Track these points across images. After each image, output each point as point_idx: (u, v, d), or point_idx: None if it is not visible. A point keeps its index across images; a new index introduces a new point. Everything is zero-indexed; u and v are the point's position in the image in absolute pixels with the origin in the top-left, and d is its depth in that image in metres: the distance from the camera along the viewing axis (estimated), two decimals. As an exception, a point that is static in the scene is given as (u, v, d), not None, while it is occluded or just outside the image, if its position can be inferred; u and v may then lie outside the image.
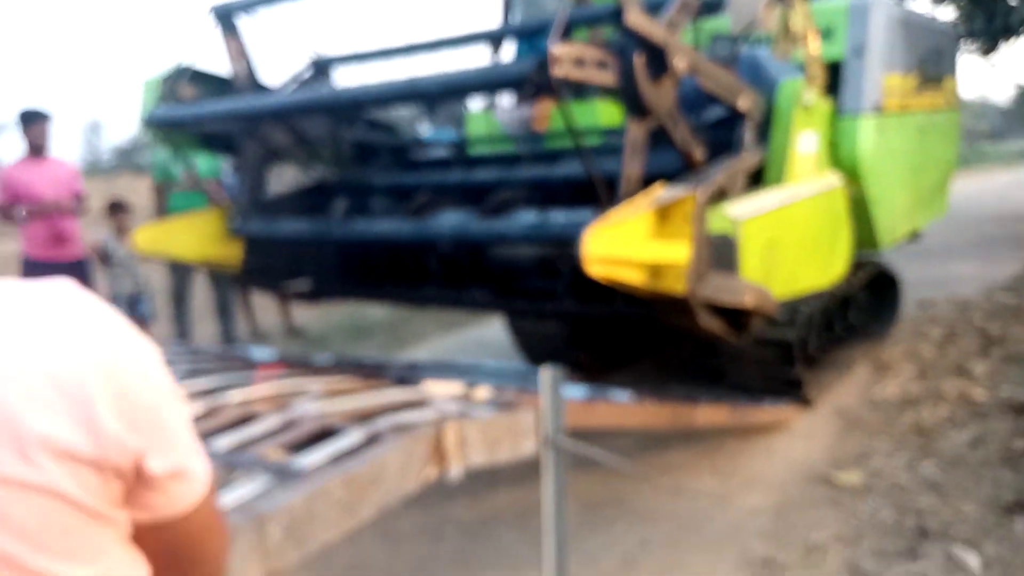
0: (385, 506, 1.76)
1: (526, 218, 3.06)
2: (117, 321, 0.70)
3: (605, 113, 4.17)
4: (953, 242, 8.19)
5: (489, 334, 6.12)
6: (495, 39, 4.22)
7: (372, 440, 1.84)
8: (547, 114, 4.41)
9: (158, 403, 0.71)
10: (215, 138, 3.76)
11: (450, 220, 3.29)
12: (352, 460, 1.72)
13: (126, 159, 36.50)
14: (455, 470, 1.93)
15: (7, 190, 4.75)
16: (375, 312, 6.65)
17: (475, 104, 4.88)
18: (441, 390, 2.36)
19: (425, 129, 5.34)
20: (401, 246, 3.58)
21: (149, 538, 0.75)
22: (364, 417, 2.04)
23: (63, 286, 0.69)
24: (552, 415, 2.05)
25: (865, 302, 5.15)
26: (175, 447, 0.72)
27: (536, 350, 4.91)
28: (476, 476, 3.64)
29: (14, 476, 0.62)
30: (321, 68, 3.95)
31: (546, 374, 2.05)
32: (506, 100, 4.66)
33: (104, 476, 0.66)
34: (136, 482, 0.70)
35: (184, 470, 0.73)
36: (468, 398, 2.34)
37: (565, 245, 2.98)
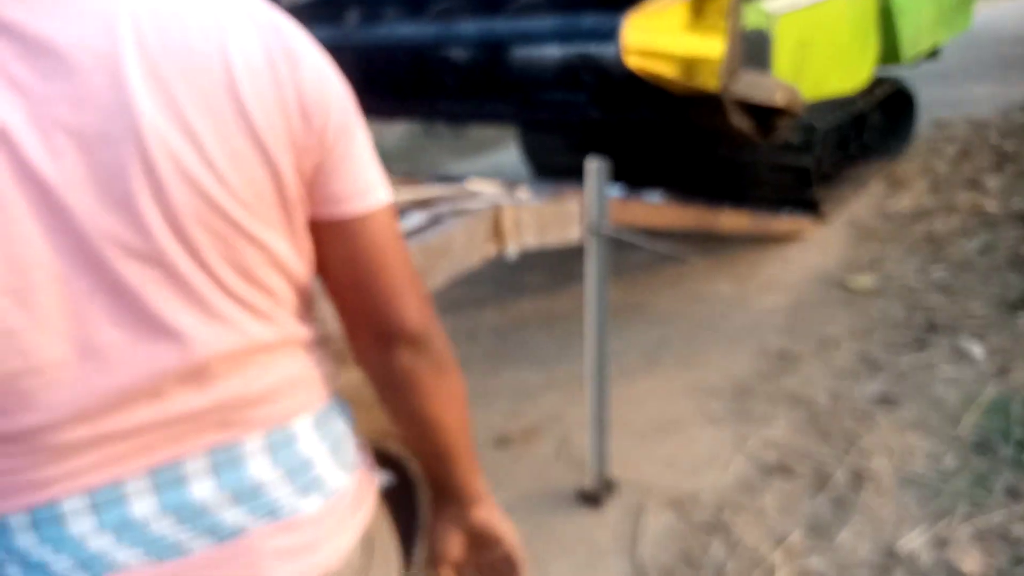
0: (453, 276, 1.85)
1: (554, 19, 2.97)
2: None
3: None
4: (971, 63, 8.00)
5: (503, 159, 6.10)
6: None
7: (435, 221, 1.90)
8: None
9: (347, 103, 0.74)
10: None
11: (473, 24, 3.18)
12: (422, 235, 1.79)
13: None
14: (511, 249, 2.01)
15: None
16: (389, 137, 6.59)
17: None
18: (485, 186, 2.39)
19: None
20: (419, 56, 3.47)
21: (333, 243, 0.76)
22: (423, 204, 2.09)
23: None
24: (596, 204, 2.09)
25: (880, 121, 5.10)
26: (360, 144, 0.75)
27: (550, 169, 4.91)
28: (504, 287, 3.84)
29: (241, 149, 0.65)
30: None
31: (592, 165, 2.06)
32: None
33: (301, 157, 0.70)
34: (323, 171, 0.72)
35: (366, 167, 0.76)
36: (511, 193, 2.38)
37: (596, 45, 2.92)
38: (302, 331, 0.77)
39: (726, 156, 4.08)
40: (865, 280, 3.57)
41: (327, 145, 0.71)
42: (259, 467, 0.73)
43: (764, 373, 2.93)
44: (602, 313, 2.22)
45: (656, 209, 2.78)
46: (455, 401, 0.87)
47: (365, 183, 0.76)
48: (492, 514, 0.95)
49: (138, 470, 0.68)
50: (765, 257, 3.96)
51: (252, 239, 0.68)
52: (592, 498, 2.28)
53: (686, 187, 3.31)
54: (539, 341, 3.35)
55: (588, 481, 2.30)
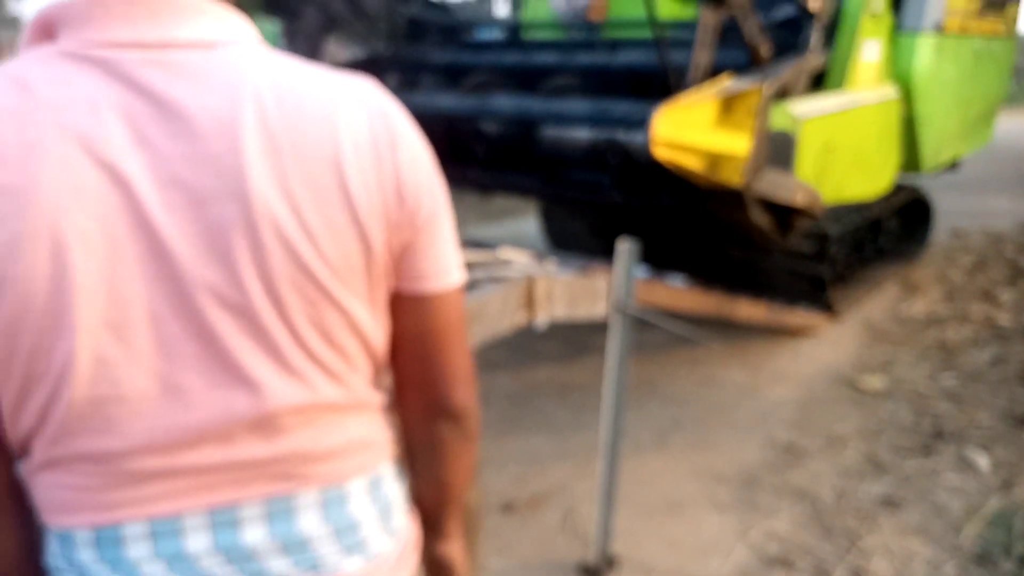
0: (485, 340, 1.92)
1: (586, 103, 3.10)
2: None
3: (665, 6, 4.13)
4: (991, 176, 8.16)
5: (524, 228, 6.24)
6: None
7: (471, 286, 1.98)
8: (604, 4, 4.38)
9: (438, 189, 0.81)
10: (277, 1, 3.76)
11: (509, 100, 3.32)
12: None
13: None
14: (541, 319, 2.08)
15: None
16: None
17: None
18: (517, 255, 2.48)
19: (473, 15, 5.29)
20: (452, 125, 3.62)
21: (407, 315, 0.82)
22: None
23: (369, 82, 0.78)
24: (624, 283, 2.16)
25: (897, 227, 5.20)
26: (446, 227, 0.82)
27: (566, 243, 5.02)
28: (519, 352, 3.90)
29: (338, 221, 0.72)
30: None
31: (623, 245, 2.15)
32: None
33: (392, 233, 0.76)
34: (411, 250, 0.79)
35: (447, 249, 0.83)
36: (541, 264, 2.46)
37: (624, 132, 3.04)
38: (370, 396, 0.82)
39: (741, 257, 4.17)
40: (875, 381, 3.60)
41: (417, 226, 0.78)
42: (310, 522, 0.77)
43: (771, 464, 2.95)
44: (621, 389, 2.27)
45: (678, 292, 2.86)
46: (469, 467, 0.94)
47: (445, 264, 0.82)
48: (457, 552, 0.99)
49: (198, 507, 0.73)
50: (778, 349, 4.01)
51: (336, 304, 0.74)
52: (593, 573, 2.29)
53: (700, 277, 3.39)
54: (551, 409, 3.39)
55: (591, 555, 2.31)
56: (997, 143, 6.60)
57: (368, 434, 0.82)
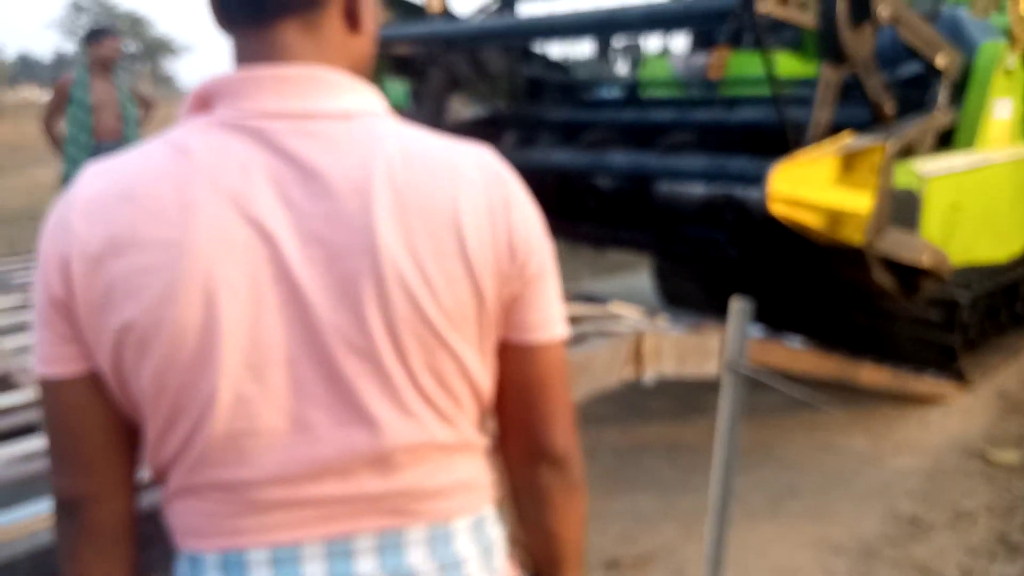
0: (591, 393, 1.94)
1: (702, 159, 3.11)
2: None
3: (784, 64, 4.11)
4: None
5: (638, 283, 6.23)
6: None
7: (580, 339, 2.01)
8: (723, 62, 4.39)
9: (546, 248, 0.86)
10: (405, 63, 3.97)
11: (624, 155, 3.36)
12: (566, 350, 1.90)
13: None
14: (649, 374, 2.08)
15: None
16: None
17: (650, 48, 4.90)
18: (628, 311, 2.50)
19: (591, 75, 5.41)
20: (567, 180, 3.69)
21: (512, 365, 0.86)
22: (570, 321, 2.21)
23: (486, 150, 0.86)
24: (737, 342, 2.14)
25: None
26: (552, 283, 0.88)
27: (679, 300, 4.98)
28: (627, 408, 3.87)
29: (455, 274, 0.78)
30: (507, 2, 4.09)
31: (736, 303, 2.13)
32: (681, 46, 4.67)
33: (503, 288, 0.82)
34: (519, 302, 0.84)
35: (552, 303, 0.88)
36: (652, 320, 2.47)
37: (741, 188, 3.02)
38: (477, 438, 0.86)
39: (865, 322, 4.02)
40: (1010, 455, 3.36)
41: (526, 280, 0.83)
42: (418, 557, 0.81)
43: (892, 538, 2.80)
44: (732, 451, 2.22)
45: (796, 353, 2.79)
46: (579, 517, 0.95)
47: (550, 317, 0.87)
48: None
49: (316, 537, 0.78)
50: (903, 416, 3.81)
51: (450, 350, 0.79)
52: (699, 639, 2.22)
53: (820, 340, 3.28)
54: (659, 468, 3.34)
55: (696, 621, 2.25)
56: None
57: (473, 475, 0.86)
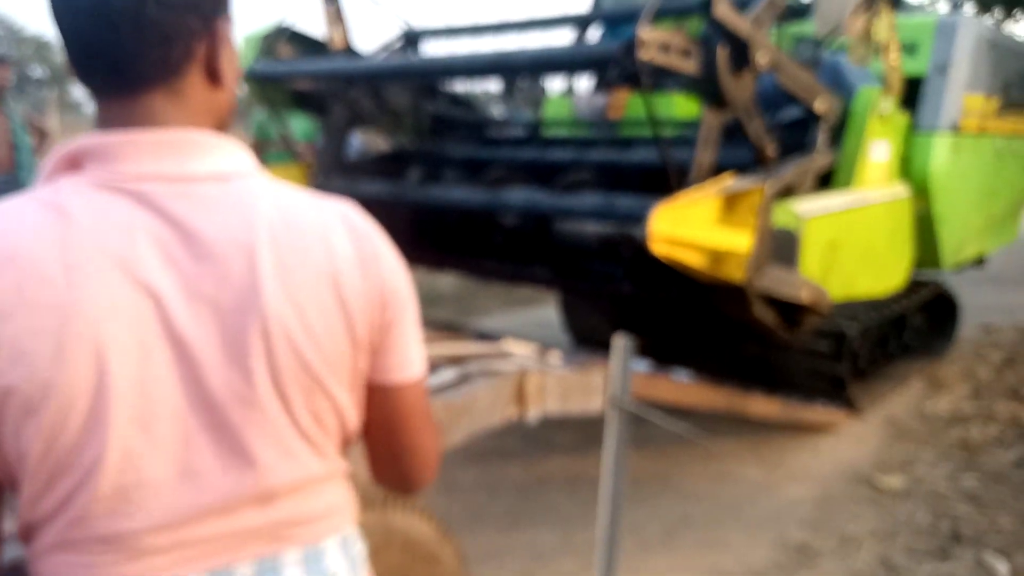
0: (472, 434, 1.96)
1: (594, 198, 3.19)
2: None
3: (681, 106, 4.26)
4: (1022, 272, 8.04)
5: (548, 315, 6.29)
6: (582, 24, 4.35)
7: (464, 379, 2.03)
8: (622, 103, 4.53)
9: (407, 293, 0.94)
10: (307, 98, 3.96)
11: (521, 194, 3.42)
12: (449, 392, 1.91)
13: None
14: (532, 414, 2.12)
15: None
16: (443, 283, 6.89)
17: (553, 88, 5.01)
18: (519, 348, 2.53)
19: (498, 112, 5.50)
20: (470, 217, 3.73)
21: (376, 402, 0.94)
22: (456, 361, 2.23)
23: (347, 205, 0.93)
24: (620, 378, 2.19)
25: (922, 322, 5.14)
26: (412, 326, 0.95)
27: (584, 333, 5.07)
28: (531, 441, 3.90)
29: (335, 325, 0.85)
30: (411, 40, 4.13)
31: (619, 340, 2.18)
32: (584, 87, 4.79)
33: (373, 334, 0.90)
34: (383, 346, 0.92)
35: (412, 346, 0.95)
36: (542, 357, 2.50)
37: (630, 226, 3.10)
38: (342, 466, 0.94)
39: (758, 353, 4.17)
40: (894, 480, 3.51)
41: (392, 325, 0.92)
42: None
43: (782, 566, 2.88)
44: (618, 486, 2.26)
45: (682, 387, 2.86)
46: None
47: (409, 358, 0.95)
48: None
49: (198, 571, 0.82)
50: (795, 445, 3.94)
51: (327, 392, 0.86)
52: (584, 676, 2.23)
53: (718, 372, 3.38)
54: (561, 502, 3.36)
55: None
56: (1029, 238, 6.55)
57: (340, 499, 0.94)
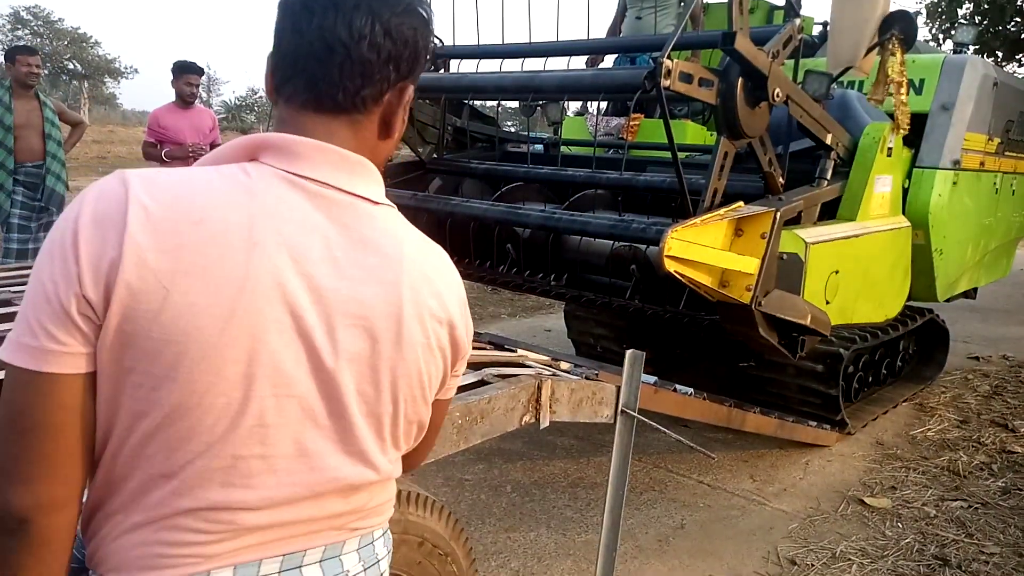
0: (488, 436, 2.08)
1: (608, 217, 3.33)
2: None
3: (692, 133, 4.41)
4: (1013, 305, 8.20)
5: (554, 323, 6.45)
6: (599, 52, 4.51)
7: (482, 384, 2.16)
8: (636, 128, 4.68)
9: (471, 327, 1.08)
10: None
11: (539, 209, 3.56)
12: (468, 395, 2.04)
13: (234, 117, 38.34)
14: (547, 419, 2.23)
15: (154, 131, 5.24)
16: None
17: (571, 109, 5.16)
18: (533, 357, 2.65)
19: (514, 127, 5.65)
20: (488, 228, 3.86)
21: (432, 411, 1.07)
22: (475, 366, 2.35)
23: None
24: (630, 388, 2.32)
25: (913, 350, 5.29)
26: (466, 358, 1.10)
27: (586, 343, 5.23)
28: (534, 445, 4.03)
29: (440, 353, 0.99)
30: (438, 57, 4.27)
31: (630, 353, 2.32)
32: (599, 110, 4.94)
33: (454, 363, 1.04)
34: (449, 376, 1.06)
35: (460, 372, 1.09)
36: (555, 366, 2.63)
37: (643, 244, 3.24)
38: (399, 469, 1.05)
39: (757, 374, 4.32)
40: (884, 501, 3.64)
41: (461, 363, 1.07)
42: (351, 561, 0.99)
43: (771, 578, 3.01)
44: (621, 492, 2.39)
45: (686, 401, 2.99)
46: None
47: (456, 381, 1.11)
48: None
49: (275, 554, 0.90)
50: (788, 461, 4.08)
51: (426, 404, 1.00)
52: (584, 669, 2.35)
53: (713, 388, 3.52)
54: (560, 505, 3.49)
55: (583, 651, 2.38)
56: (1023, 273, 6.71)
57: (392, 495, 1.05)
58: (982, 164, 4.70)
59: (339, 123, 0.91)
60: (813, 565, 3.09)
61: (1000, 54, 11.75)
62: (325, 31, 0.87)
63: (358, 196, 0.91)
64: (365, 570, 1.00)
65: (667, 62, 2.61)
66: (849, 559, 3.15)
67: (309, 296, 0.85)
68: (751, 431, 3.62)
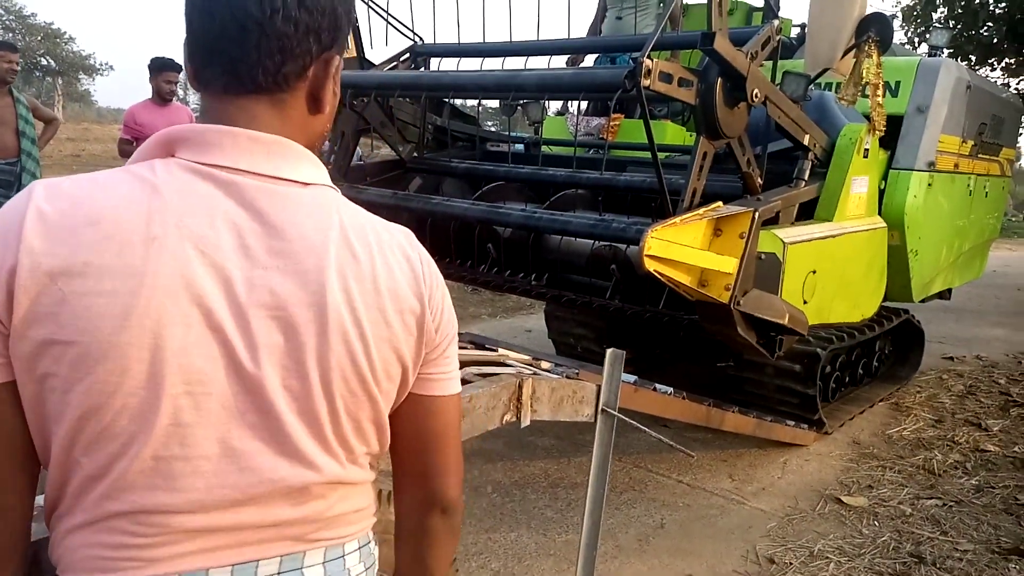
0: (469, 435, 2.07)
1: (589, 217, 3.34)
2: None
3: (671, 133, 4.43)
4: (989, 306, 8.33)
5: (533, 323, 6.45)
6: (579, 51, 4.52)
7: (464, 383, 2.15)
8: (616, 127, 4.69)
9: (454, 318, 1.01)
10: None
11: (519, 209, 3.56)
12: None
13: None
14: (527, 418, 2.22)
15: (130, 128, 5.17)
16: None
17: (551, 109, 5.17)
18: (514, 356, 2.65)
19: (493, 127, 5.65)
20: (469, 227, 3.86)
21: (417, 415, 0.99)
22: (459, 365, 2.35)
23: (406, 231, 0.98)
24: (610, 388, 2.32)
25: (888, 350, 5.35)
26: (455, 347, 1.02)
27: (566, 342, 5.24)
28: (514, 446, 4.02)
29: (389, 337, 0.90)
30: (418, 55, 4.26)
31: (611, 352, 2.32)
32: (579, 109, 4.94)
33: (426, 353, 0.96)
34: (428, 362, 0.97)
35: (454, 364, 1.01)
36: (536, 366, 2.62)
37: (623, 244, 3.25)
38: (370, 475, 0.98)
39: (735, 374, 4.34)
40: (860, 499, 3.68)
41: (439, 348, 0.98)
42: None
43: (750, 576, 3.02)
44: (601, 489, 2.39)
45: (665, 400, 3.00)
46: (451, 555, 1.09)
47: (451, 375, 1.01)
48: None
49: (224, 564, 0.85)
50: (766, 460, 4.10)
51: (372, 401, 0.91)
52: (564, 669, 2.35)
53: (693, 391, 3.54)
54: (541, 506, 3.49)
55: (563, 651, 2.38)
56: (996, 274, 6.81)
57: (364, 504, 0.97)
58: (956, 166, 4.76)
59: (263, 105, 0.87)
60: (791, 564, 3.11)
61: (973, 58, 11.94)
62: (235, 9, 0.84)
63: (280, 179, 0.86)
64: None
65: (647, 62, 2.61)
66: (827, 557, 3.17)
67: (219, 288, 0.81)
68: (730, 430, 3.64)
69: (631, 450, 4.10)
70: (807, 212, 3.60)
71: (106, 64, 37.72)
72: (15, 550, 0.84)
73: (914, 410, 4.91)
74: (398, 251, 0.93)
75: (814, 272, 3.31)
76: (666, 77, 2.76)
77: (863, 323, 4.36)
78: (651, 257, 2.67)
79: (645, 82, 2.63)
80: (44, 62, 33.48)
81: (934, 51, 5.43)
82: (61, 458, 0.81)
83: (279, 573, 0.88)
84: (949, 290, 5.45)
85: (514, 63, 3.80)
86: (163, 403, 0.79)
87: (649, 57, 2.63)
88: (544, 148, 4.64)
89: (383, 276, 0.89)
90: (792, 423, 4.12)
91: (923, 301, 4.98)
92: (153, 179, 0.81)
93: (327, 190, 0.90)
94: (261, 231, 0.83)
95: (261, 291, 0.82)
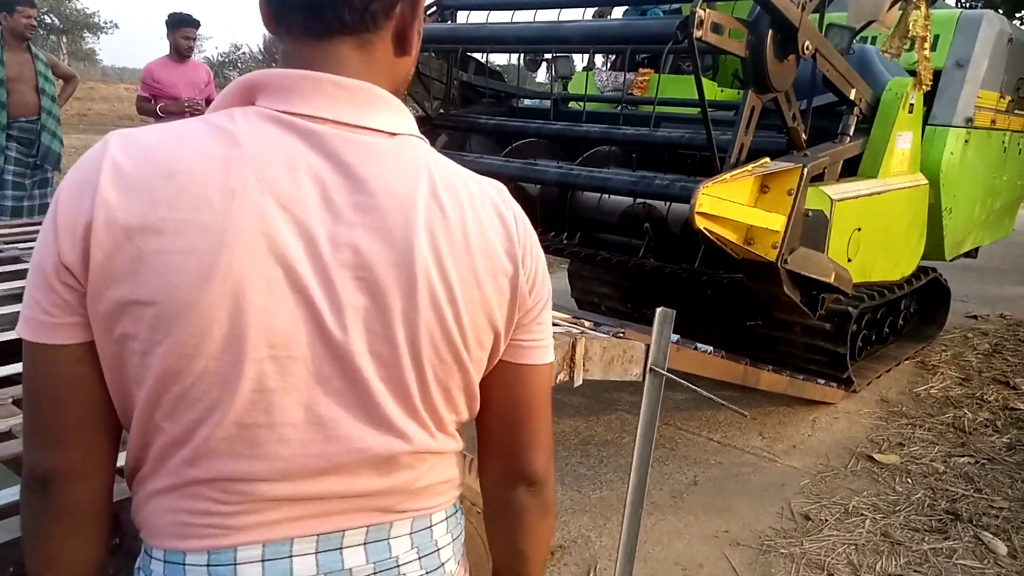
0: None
1: (628, 173, 3.28)
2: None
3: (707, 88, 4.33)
4: (1009, 265, 8.28)
5: (555, 283, 6.41)
6: (610, 3, 4.40)
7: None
8: (646, 83, 4.60)
9: (549, 281, 0.94)
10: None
11: (554, 166, 3.50)
12: None
13: (217, 74, 37.74)
14: (580, 377, 2.19)
15: (148, 85, 5.07)
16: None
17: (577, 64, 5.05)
18: (560, 316, 2.61)
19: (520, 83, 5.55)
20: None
21: (508, 384, 0.92)
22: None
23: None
24: (659, 347, 2.29)
25: (915, 308, 5.32)
26: (549, 313, 0.94)
27: (590, 304, 5.21)
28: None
29: (479, 302, 0.83)
30: (445, 8, 4.15)
31: (660, 311, 2.28)
32: (607, 63, 4.84)
33: (520, 317, 0.89)
34: (521, 329, 0.90)
35: (548, 331, 0.94)
36: (580, 324, 2.59)
37: (666, 201, 3.20)
38: (459, 443, 0.92)
39: (764, 332, 4.30)
40: (892, 457, 3.68)
41: (533, 313, 0.91)
42: (402, 547, 0.87)
43: (787, 532, 3.03)
44: (648, 448, 2.38)
45: (707, 359, 2.98)
46: (547, 537, 1.03)
47: (544, 343, 0.94)
48: None
49: (309, 532, 0.81)
50: (795, 418, 4.10)
51: (462, 368, 0.85)
52: (615, 625, 2.36)
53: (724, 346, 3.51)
54: (573, 462, 3.49)
55: (613, 607, 2.39)
56: (1018, 232, 6.75)
57: (451, 475, 0.92)
58: (993, 122, 4.67)
59: (348, 46, 0.80)
60: (827, 520, 3.12)
61: (1002, 12, 11.70)
62: None
63: (366, 128, 0.79)
64: (420, 558, 0.88)
65: (699, 11, 2.54)
66: (862, 514, 3.18)
67: (302, 247, 0.75)
68: (763, 389, 3.63)
69: (660, 408, 4.08)
70: (849, 169, 3.53)
71: (111, 22, 37.13)
72: (100, 512, 0.82)
73: (940, 368, 4.89)
74: (490, 206, 0.85)
75: (859, 230, 3.27)
76: (717, 28, 2.68)
77: (893, 282, 4.32)
78: (702, 215, 2.62)
79: (697, 33, 2.56)
80: (48, 20, 32.99)
81: (970, 4, 5.29)
82: (142, 421, 0.77)
83: (365, 543, 0.84)
84: (976, 248, 5.40)
85: (544, 16, 3.70)
86: (246, 368, 0.74)
87: (702, 8, 2.55)
88: (573, 104, 4.55)
89: (475, 234, 0.82)
90: (822, 381, 4.10)
91: (953, 260, 4.93)
92: (232, 128, 0.75)
93: (415, 140, 0.83)
94: (345, 185, 0.77)
95: (345, 250, 0.76)
